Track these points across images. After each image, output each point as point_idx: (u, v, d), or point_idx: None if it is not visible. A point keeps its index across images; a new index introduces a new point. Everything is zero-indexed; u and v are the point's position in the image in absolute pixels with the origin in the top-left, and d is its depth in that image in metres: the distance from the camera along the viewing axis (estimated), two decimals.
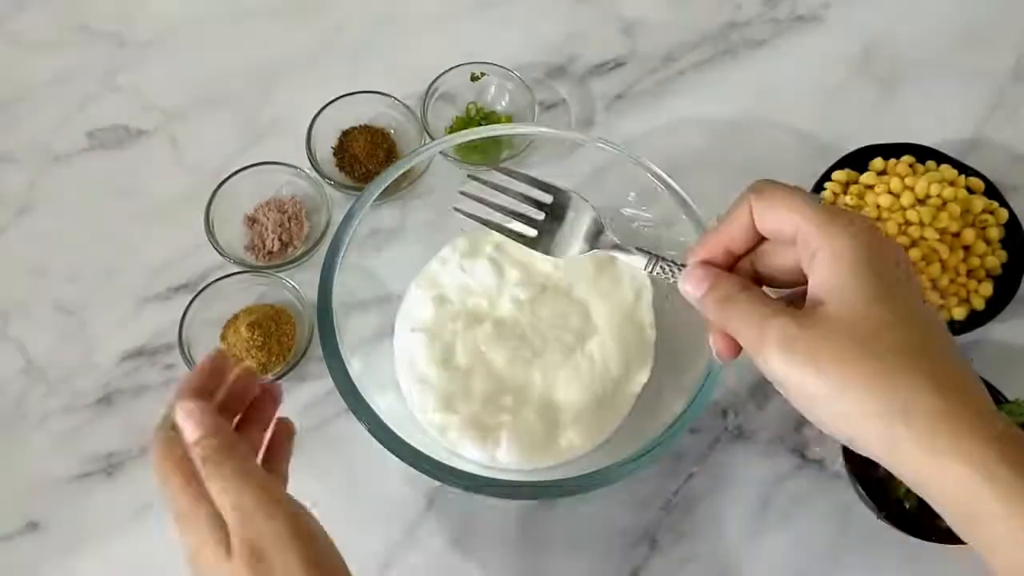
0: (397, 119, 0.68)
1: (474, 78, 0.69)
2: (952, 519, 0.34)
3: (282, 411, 0.59)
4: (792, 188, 0.38)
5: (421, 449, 0.48)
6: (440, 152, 0.60)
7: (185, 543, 0.41)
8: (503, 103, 0.70)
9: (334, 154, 0.68)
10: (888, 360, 0.33)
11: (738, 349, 0.38)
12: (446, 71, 0.68)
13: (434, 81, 0.68)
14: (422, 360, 0.56)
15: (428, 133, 0.67)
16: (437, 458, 0.48)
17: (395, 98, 0.67)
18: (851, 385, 0.33)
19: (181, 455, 0.41)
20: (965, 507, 0.33)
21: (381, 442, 0.48)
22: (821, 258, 0.35)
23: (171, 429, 0.42)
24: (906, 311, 0.34)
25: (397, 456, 0.48)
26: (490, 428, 0.54)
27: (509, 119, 0.69)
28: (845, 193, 0.62)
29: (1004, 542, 0.32)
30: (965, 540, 0.34)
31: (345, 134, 0.68)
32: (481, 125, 0.67)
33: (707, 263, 0.39)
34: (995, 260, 0.60)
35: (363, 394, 0.49)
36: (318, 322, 0.51)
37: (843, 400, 0.34)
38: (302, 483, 0.56)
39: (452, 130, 0.68)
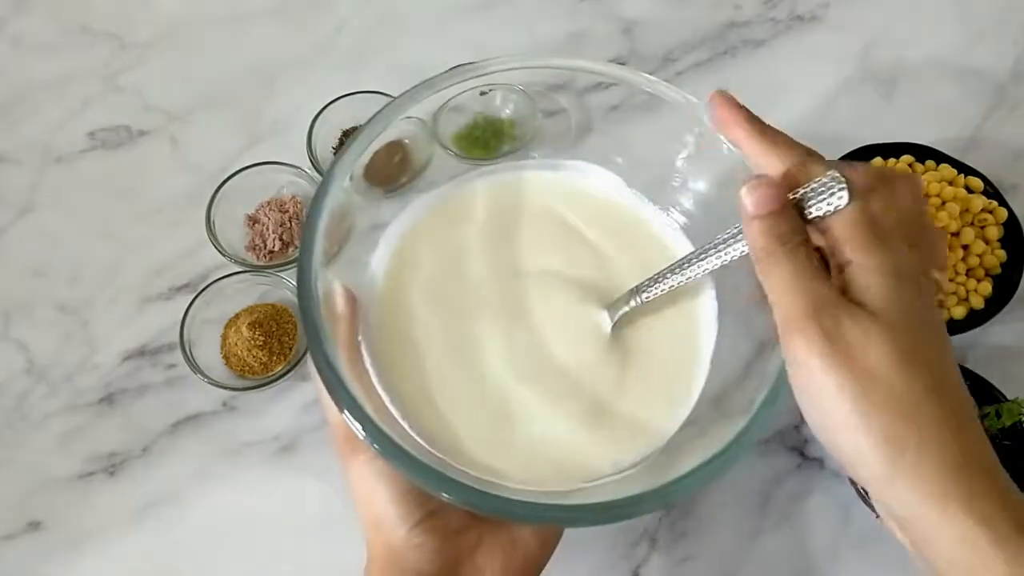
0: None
1: (482, 94, 0.69)
2: (942, 570, 0.33)
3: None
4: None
5: (420, 458, 0.38)
6: (441, 146, 0.60)
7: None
8: (508, 111, 0.70)
9: (335, 154, 0.68)
10: (919, 392, 0.32)
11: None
12: (459, 95, 0.62)
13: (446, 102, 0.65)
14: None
15: (437, 139, 0.67)
16: (438, 469, 0.38)
17: (395, 98, 0.67)
18: (874, 399, 0.31)
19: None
20: (964, 563, 0.32)
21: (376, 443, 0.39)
22: (871, 272, 0.32)
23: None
24: (941, 371, 0.33)
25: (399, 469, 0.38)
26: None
27: (512, 124, 0.69)
28: None
29: None
30: None
31: (345, 134, 0.68)
32: (488, 133, 0.67)
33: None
34: (994, 259, 0.60)
35: (354, 393, 0.40)
36: (303, 320, 0.41)
37: (858, 412, 0.31)
38: (302, 482, 0.57)
39: (459, 136, 0.68)
